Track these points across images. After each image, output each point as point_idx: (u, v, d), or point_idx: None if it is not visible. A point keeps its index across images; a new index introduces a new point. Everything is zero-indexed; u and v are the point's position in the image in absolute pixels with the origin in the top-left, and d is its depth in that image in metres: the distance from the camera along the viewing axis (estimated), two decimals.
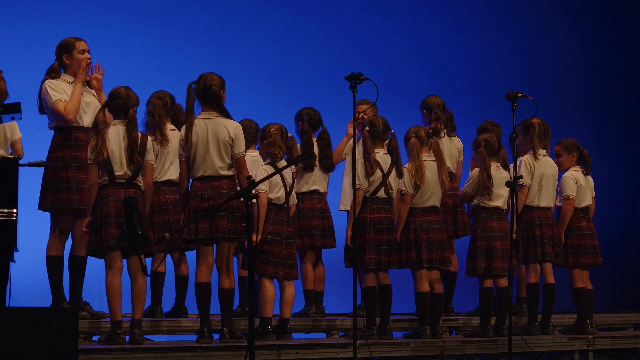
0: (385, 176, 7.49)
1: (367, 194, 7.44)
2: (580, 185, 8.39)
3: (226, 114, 6.79)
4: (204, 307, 6.79)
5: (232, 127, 6.74)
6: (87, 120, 7.14)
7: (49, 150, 7.23)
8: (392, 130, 7.59)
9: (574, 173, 8.43)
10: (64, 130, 7.17)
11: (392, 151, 7.57)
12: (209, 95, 6.76)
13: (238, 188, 6.70)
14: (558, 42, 12.67)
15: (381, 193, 7.49)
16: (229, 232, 6.67)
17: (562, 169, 8.48)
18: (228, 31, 11.00)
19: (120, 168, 6.60)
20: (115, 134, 6.61)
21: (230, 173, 6.76)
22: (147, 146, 6.71)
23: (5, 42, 9.81)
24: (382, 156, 7.52)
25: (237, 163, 6.74)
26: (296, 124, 8.07)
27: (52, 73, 7.23)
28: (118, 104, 6.66)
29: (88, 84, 7.32)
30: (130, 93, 6.69)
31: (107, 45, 10.05)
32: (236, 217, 6.71)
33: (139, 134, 6.68)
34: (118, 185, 6.58)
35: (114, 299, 6.52)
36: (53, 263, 7.20)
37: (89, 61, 7.24)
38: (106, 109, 6.70)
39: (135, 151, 6.60)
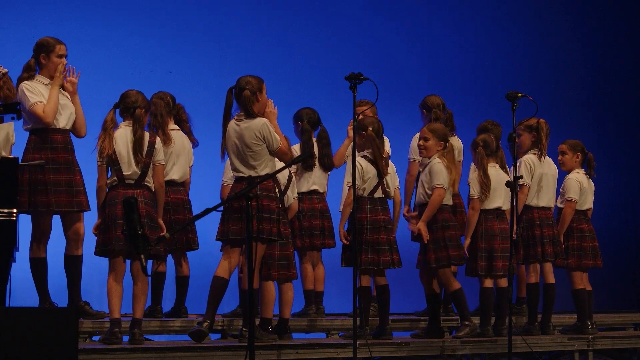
0: (382, 176, 7.50)
1: (364, 194, 7.44)
2: (583, 189, 8.37)
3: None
4: (211, 300, 6.80)
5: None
6: (62, 122, 7.11)
7: (24, 152, 7.12)
8: (386, 137, 7.64)
9: (579, 176, 8.40)
10: (40, 132, 7.08)
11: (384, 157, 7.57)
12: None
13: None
14: (558, 42, 12.66)
15: (378, 193, 7.49)
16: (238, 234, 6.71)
17: (565, 169, 8.46)
18: (228, 31, 10.99)
19: (128, 168, 6.64)
20: (123, 134, 6.69)
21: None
22: (156, 146, 6.76)
23: (5, 42, 9.80)
24: None
25: None
26: (295, 124, 8.06)
27: (29, 70, 7.18)
28: (126, 104, 6.74)
29: (62, 86, 7.30)
30: (139, 96, 6.77)
31: (107, 45, 10.04)
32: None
33: (146, 134, 6.74)
34: (127, 186, 6.63)
35: (113, 298, 6.57)
36: (37, 264, 7.14)
37: (64, 66, 7.21)
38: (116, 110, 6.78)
39: (139, 151, 6.64)
